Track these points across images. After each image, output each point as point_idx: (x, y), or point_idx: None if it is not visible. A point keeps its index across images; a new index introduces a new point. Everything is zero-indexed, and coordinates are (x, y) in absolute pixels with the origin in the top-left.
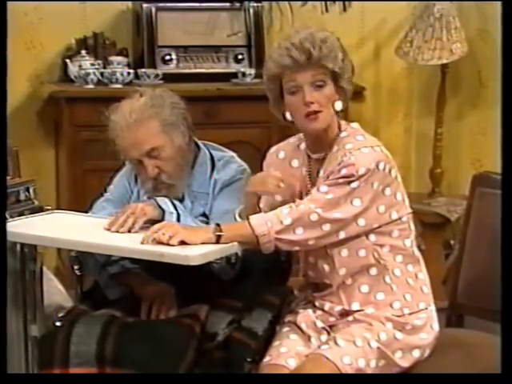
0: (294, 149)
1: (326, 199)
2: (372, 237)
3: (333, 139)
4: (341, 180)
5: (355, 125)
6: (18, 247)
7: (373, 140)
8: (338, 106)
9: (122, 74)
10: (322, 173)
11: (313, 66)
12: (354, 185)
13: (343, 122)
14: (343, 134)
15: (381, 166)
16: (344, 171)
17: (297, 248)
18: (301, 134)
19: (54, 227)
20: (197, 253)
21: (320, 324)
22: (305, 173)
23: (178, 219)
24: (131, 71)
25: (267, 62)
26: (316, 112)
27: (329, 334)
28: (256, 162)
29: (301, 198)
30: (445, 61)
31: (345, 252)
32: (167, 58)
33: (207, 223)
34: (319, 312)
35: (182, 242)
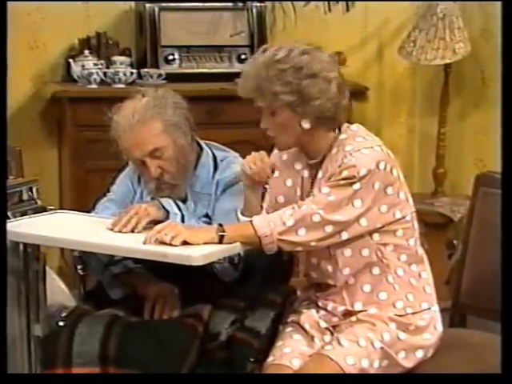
0: (298, 151)
1: (327, 201)
2: (376, 236)
3: (332, 142)
4: (342, 182)
5: (355, 127)
6: (21, 247)
7: (373, 140)
8: (305, 124)
9: (124, 74)
10: (320, 174)
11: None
12: (355, 186)
13: (345, 125)
14: (342, 136)
15: (381, 166)
16: (345, 173)
17: (299, 249)
18: None
19: (57, 227)
20: (199, 253)
21: (323, 324)
22: (307, 175)
23: (182, 220)
24: (134, 71)
25: None
26: (272, 136)
27: (332, 334)
28: None
29: (302, 199)
30: (448, 60)
31: (348, 252)
32: (170, 57)
33: (210, 224)
34: (322, 312)
35: (185, 242)
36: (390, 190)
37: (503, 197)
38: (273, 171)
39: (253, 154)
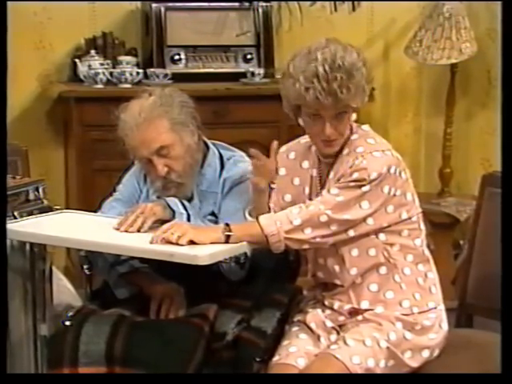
0: (305, 150)
1: (336, 201)
2: (382, 236)
3: (344, 142)
4: (352, 183)
5: (366, 127)
6: (28, 247)
7: (383, 143)
8: (353, 117)
9: (131, 74)
10: (332, 175)
11: (338, 106)
12: (365, 189)
13: (354, 124)
14: (354, 137)
15: (392, 170)
16: (356, 175)
17: (306, 246)
18: None
19: (64, 227)
20: (206, 252)
21: (329, 323)
22: (315, 174)
23: (188, 220)
24: (140, 71)
25: (287, 85)
26: (333, 140)
27: (338, 333)
28: None
29: (310, 198)
30: (454, 60)
31: (355, 251)
32: (176, 57)
33: (216, 222)
34: (328, 311)
35: (191, 242)
36: (398, 192)
37: (503, 197)
38: (276, 170)
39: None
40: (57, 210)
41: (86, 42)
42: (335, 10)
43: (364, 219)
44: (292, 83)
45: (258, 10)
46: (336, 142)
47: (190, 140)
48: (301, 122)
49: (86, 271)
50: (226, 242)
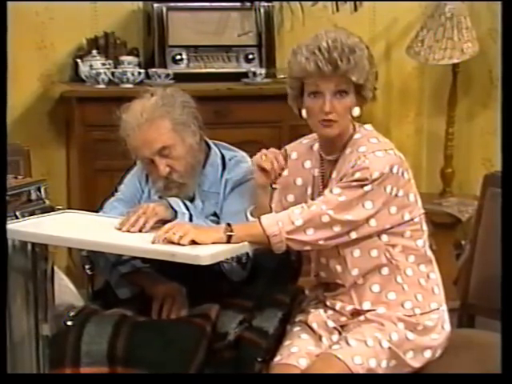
0: (307, 150)
1: (338, 201)
2: (384, 237)
3: (346, 141)
4: (354, 183)
5: (369, 127)
6: (29, 247)
7: (386, 143)
8: (356, 112)
9: (132, 74)
10: (334, 174)
11: (338, 76)
12: (367, 188)
13: (357, 124)
14: (357, 136)
15: (394, 170)
16: (358, 175)
17: (308, 248)
18: (314, 135)
19: (65, 227)
20: (207, 252)
21: (331, 324)
22: (317, 174)
23: (190, 220)
24: (142, 71)
25: (291, 60)
26: (332, 121)
27: (340, 333)
28: None
29: (312, 198)
30: (456, 60)
31: (357, 252)
32: (178, 57)
33: (218, 223)
34: (330, 312)
35: (193, 242)
36: (400, 193)
37: (503, 197)
38: (282, 170)
39: (264, 151)
40: (58, 209)
41: (88, 42)
42: (337, 9)
43: (366, 220)
44: (295, 57)
45: (259, 10)
46: (335, 124)
47: (191, 140)
48: (303, 113)
49: (88, 271)
50: (228, 242)
